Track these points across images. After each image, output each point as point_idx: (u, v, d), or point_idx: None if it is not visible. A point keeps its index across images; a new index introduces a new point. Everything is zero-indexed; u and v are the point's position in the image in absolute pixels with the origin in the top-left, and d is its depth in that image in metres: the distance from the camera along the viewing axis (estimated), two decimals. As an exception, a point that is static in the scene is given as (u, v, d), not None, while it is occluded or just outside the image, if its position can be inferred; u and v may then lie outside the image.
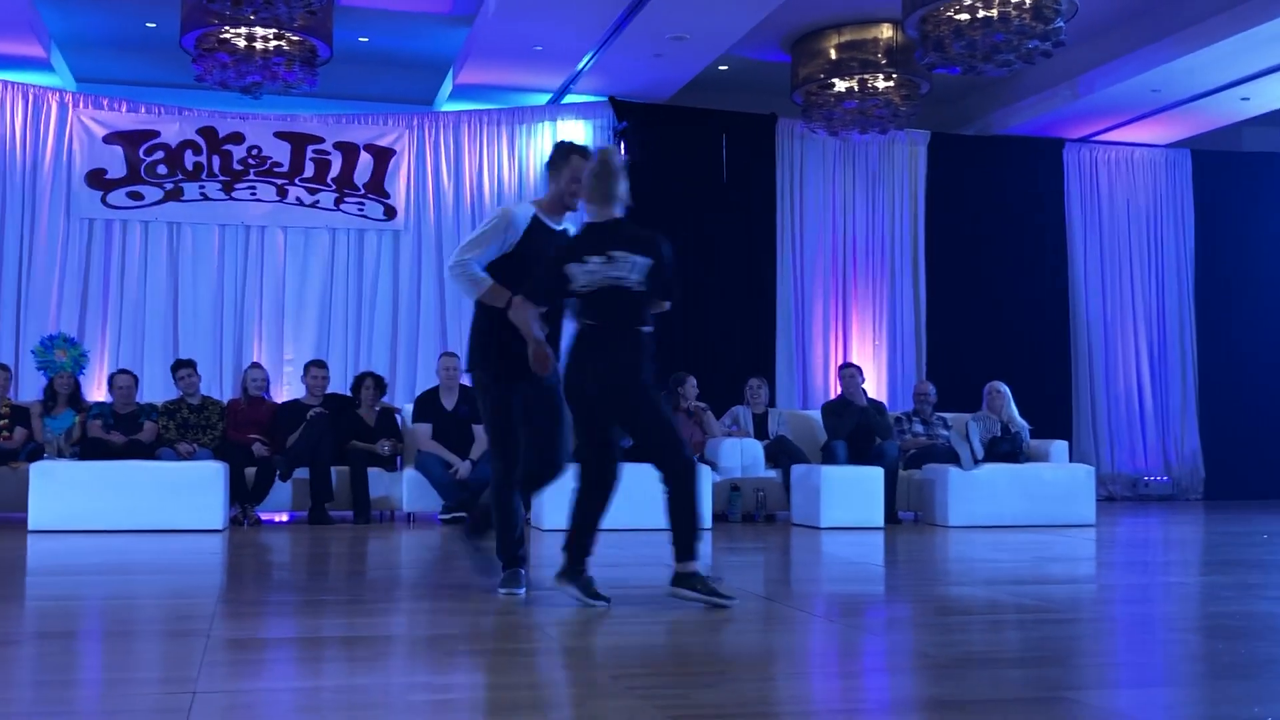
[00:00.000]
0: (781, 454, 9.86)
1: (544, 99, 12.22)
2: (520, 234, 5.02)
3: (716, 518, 8.75)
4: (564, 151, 5.17)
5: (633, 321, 4.73)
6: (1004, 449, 9.74)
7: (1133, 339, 13.38)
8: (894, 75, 10.99)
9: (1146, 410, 13.33)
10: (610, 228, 4.82)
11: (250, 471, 9.07)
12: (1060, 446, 10.26)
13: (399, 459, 9.61)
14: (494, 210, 5.12)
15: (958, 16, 9.00)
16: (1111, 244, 13.45)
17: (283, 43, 9.93)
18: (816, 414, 10.43)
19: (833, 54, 11.10)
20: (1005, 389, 10.01)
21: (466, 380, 10.11)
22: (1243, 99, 11.81)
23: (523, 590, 5.04)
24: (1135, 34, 11.09)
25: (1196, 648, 4.12)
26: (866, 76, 11.02)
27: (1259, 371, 13.41)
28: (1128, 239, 13.49)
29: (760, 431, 10.31)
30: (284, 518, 9.54)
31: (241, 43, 9.89)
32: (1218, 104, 12.04)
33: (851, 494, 8.96)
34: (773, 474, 9.84)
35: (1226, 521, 10.03)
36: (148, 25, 11.20)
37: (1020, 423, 9.96)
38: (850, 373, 10.13)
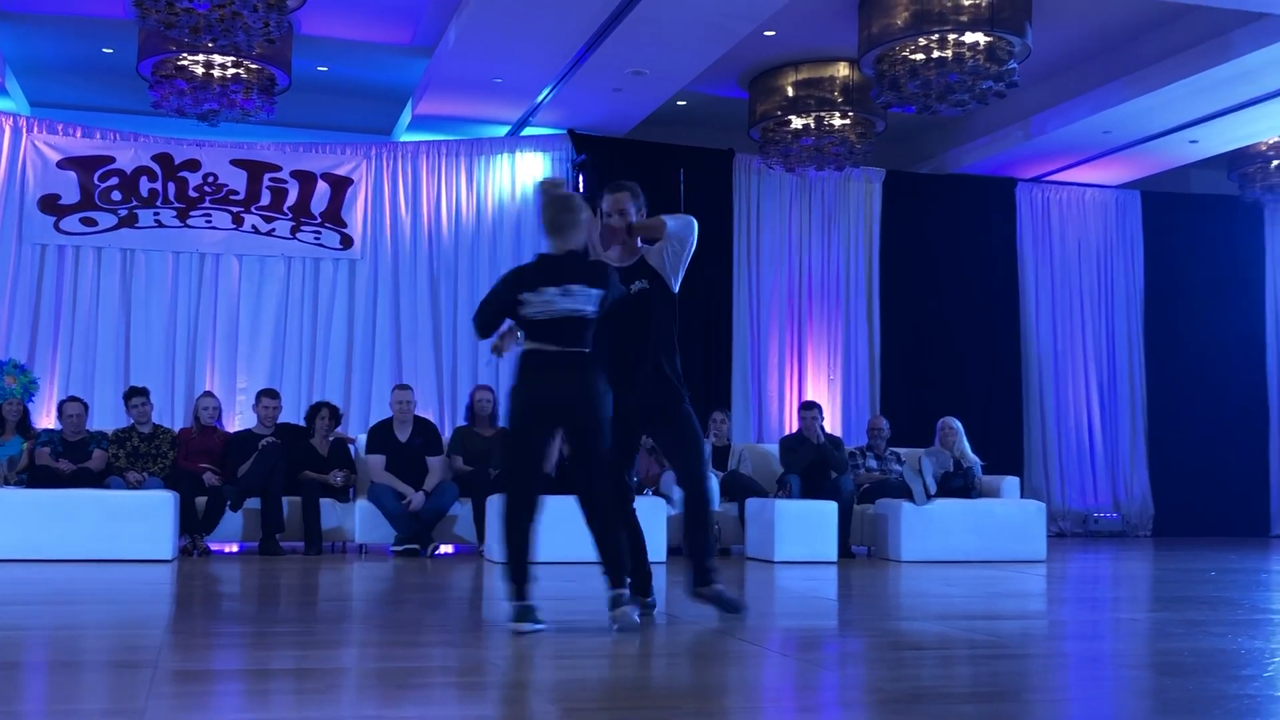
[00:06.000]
0: (736, 488, 9.88)
1: (503, 131, 12.24)
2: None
3: (672, 551, 8.75)
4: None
5: (582, 345, 4.91)
6: (956, 484, 9.80)
7: (1083, 377, 13.52)
8: (850, 113, 11.10)
9: (1097, 447, 13.46)
10: (565, 260, 4.91)
11: (201, 501, 8.97)
12: (1012, 482, 10.33)
13: (351, 490, 9.55)
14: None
15: (913, 56, 9.12)
16: (1063, 283, 13.60)
17: (241, 70, 9.91)
18: (774, 448, 10.46)
19: (790, 91, 11.20)
20: (958, 425, 10.09)
21: (420, 412, 10.09)
22: (1191, 142, 12.01)
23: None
24: (1087, 77, 11.27)
25: (1146, 684, 4.16)
26: (823, 114, 11.13)
27: (1207, 410, 13.57)
28: (1079, 278, 13.64)
29: (721, 464, 10.34)
30: (234, 548, 9.45)
31: (199, 70, 9.85)
32: (1167, 146, 12.24)
33: (805, 528, 8.98)
34: (728, 507, 9.85)
35: (1175, 558, 10.13)
36: (104, 50, 11.14)
37: (972, 458, 10.03)
38: (811, 415, 10.15)
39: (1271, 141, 12.15)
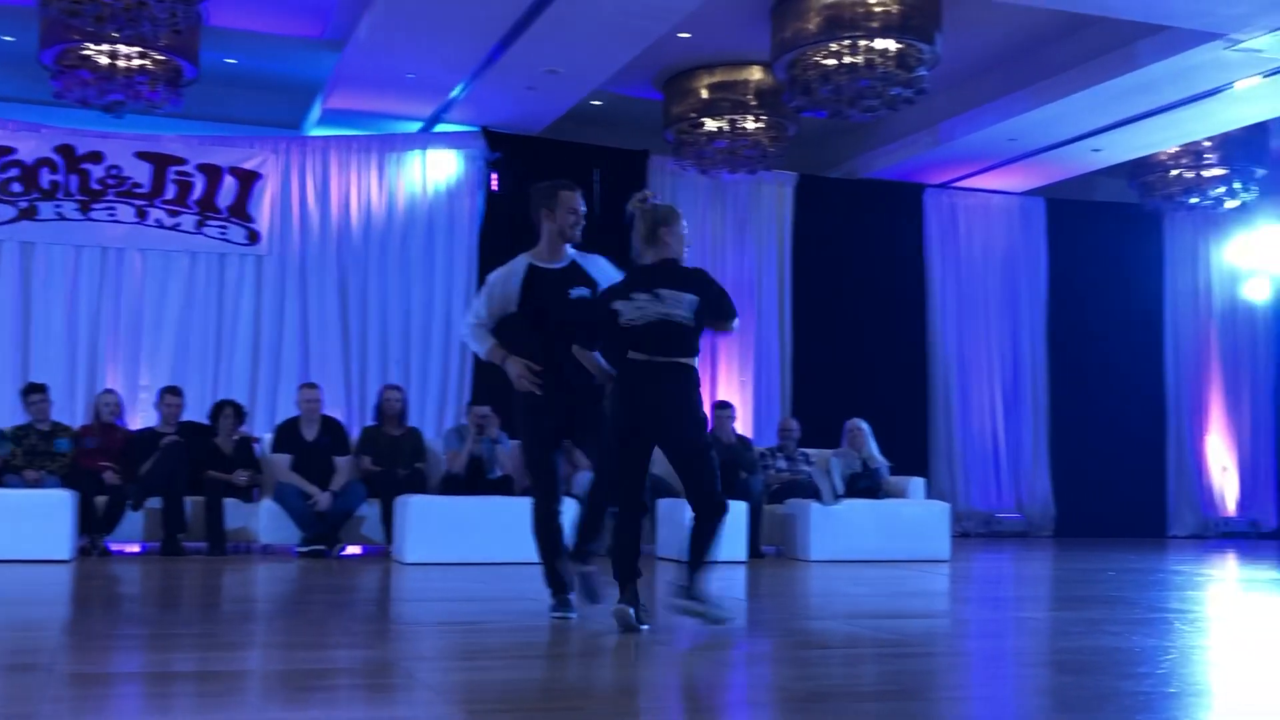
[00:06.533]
0: (649, 488, 9.88)
1: (415, 127, 12.14)
2: (519, 282, 5.20)
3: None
4: (550, 191, 5.33)
5: (680, 354, 4.92)
6: (864, 485, 9.91)
7: (988, 380, 13.74)
8: (763, 117, 11.18)
9: (1000, 449, 13.69)
10: (657, 268, 4.99)
11: (100, 500, 8.77)
12: (918, 483, 10.48)
13: (256, 490, 9.41)
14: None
15: (825, 61, 9.20)
16: (969, 287, 13.81)
17: (147, 61, 9.70)
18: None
19: (704, 94, 11.25)
20: (866, 426, 10.20)
21: (327, 411, 9.98)
22: (1095, 150, 12.27)
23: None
24: (994, 85, 11.46)
25: (1045, 682, 4.24)
26: (736, 117, 11.19)
27: (1107, 413, 13.86)
28: (984, 283, 13.86)
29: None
30: (135, 549, 9.26)
31: (104, 60, 9.63)
32: (1071, 154, 12.49)
33: (715, 529, 9.00)
34: (638, 508, 9.85)
35: (1075, 558, 10.34)
36: (4, 39, 10.85)
37: (880, 460, 10.15)
38: (724, 414, 10.22)
39: (1172, 151, 12.44)
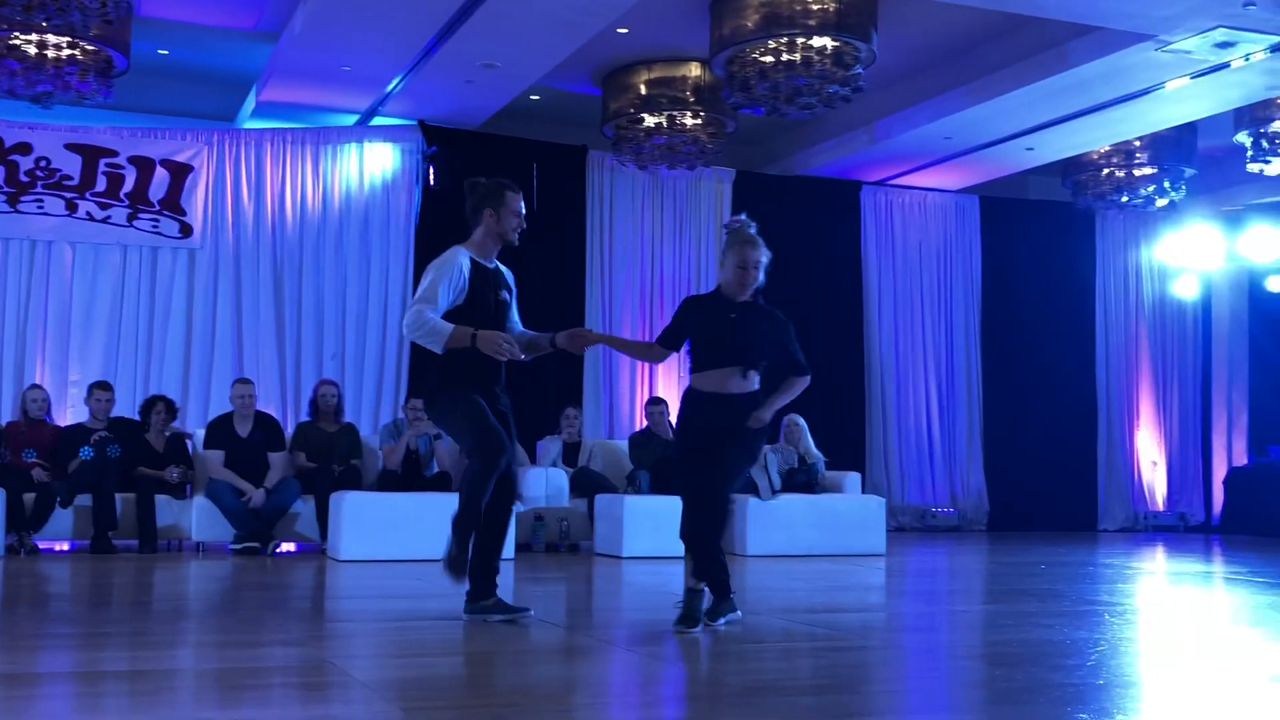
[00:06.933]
0: (586, 484, 9.89)
1: (351, 120, 12.03)
2: (467, 278, 5.15)
3: (520, 547, 8.72)
4: (496, 190, 5.28)
5: (749, 373, 5.21)
6: (800, 480, 9.98)
7: (923, 376, 13.87)
8: (701, 113, 11.20)
9: (935, 445, 13.83)
10: (739, 303, 5.30)
11: (29, 497, 8.62)
12: (854, 478, 10.55)
13: (189, 486, 9.29)
14: (439, 259, 5.23)
15: (763, 59, 9.24)
16: (904, 284, 13.93)
17: (76, 52, 9.53)
18: (625, 444, 10.51)
19: (643, 89, 11.25)
20: (802, 422, 10.27)
21: (261, 407, 9.87)
22: (1027, 149, 12.42)
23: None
24: (929, 84, 11.56)
25: (978, 674, 4.29)
26: (675, 113, 11.20)
27: (1039, 409, 14.05)
28: (919, 280, 13.99)
29: (571, 461, 10.35)
30: (64, 546, 9.11)
31: (32, 50, 9.45)
32: (1004, 153, 12.63)
33: (654, 523, 9.02)
34: (577, 503, 9.85)
35: (1008, 552, 10.47)
36: (-72, 26, 10.62)
37: (816, 455, 10.22)
38: (659, 411, 10.25)
39: (1103, 151, 12.63)
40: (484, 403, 5.13)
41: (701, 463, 5.13)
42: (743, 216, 5.51)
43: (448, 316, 5.14)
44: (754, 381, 5.24)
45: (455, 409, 5.15)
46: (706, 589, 5.13)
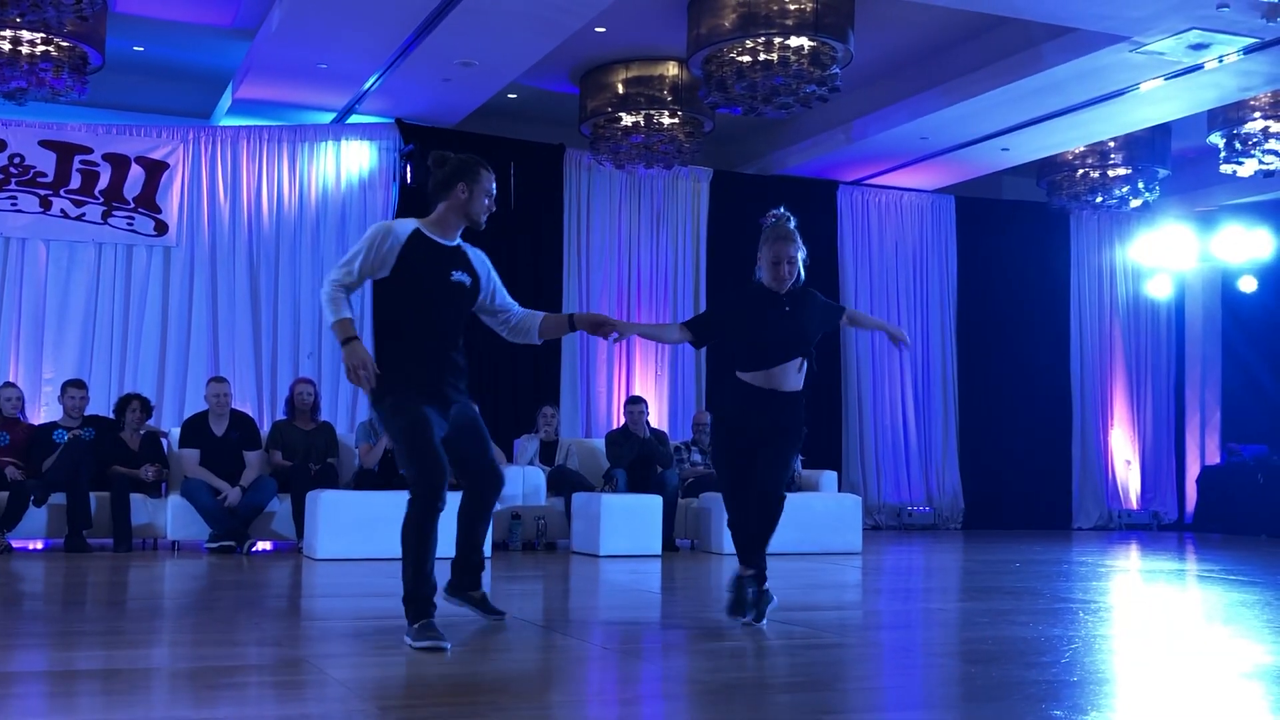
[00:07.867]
0: (563, 482, 9.90)
1: (328, 118, 12.00)
2: (400, 247, 4.68)
3: (497, 546, 8.72)
4: (473, 167, 4.86)
5: (793, 370, 5.37)
6: (777, 479, 9.98)
7: (899, 374, 13.92)
8: (679, 112, 11.21)
9: (911, 443, 13.89)
10: (786, 293, 5.45)
11: (2, 496, 8.58)
12: (830, 477, 10.58)
13: (164, 485, 9.25)
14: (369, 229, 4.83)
15: (740, 58, 9.26)
16: (881, 283, 13.98)
17: (51, 48, 9.49)
18: (602, 443, 10.51)
19: (620, 88, 11.26)
20: (780, 421, 10.27)
21: (238, 405, 9.83)
22: (1003, 149, 12.48)
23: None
24: (906, 84, 11.60)
25: (953, 672, 4.31)
26: (652, 112, 11.21)
27: (1014, 408, 14.12)
28: (895, 279, 14.04)
29: (548, 459, 10.35)
30: (38, 545, 9.06)
31: (6, 46, 9.40)
32: (980, 153, 12.69)
33: (631, 522, 9.05)
34: (554, 502, 9.86)
35: (983, 550, 10.52)
36: (-100, 21, 10.54)
37: (793, 454, 10.23)
38: (637, 409, 10.26)
39: (1078, 151, 12.71)
40: (433, 413, 4.64)
41: (753, 460, 5.21)
42: (780, 210, 5.52)
43: (378, 291, 4.77)
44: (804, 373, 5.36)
45: (395, 421, 4.68)
46: (753, 575, 5.23)
